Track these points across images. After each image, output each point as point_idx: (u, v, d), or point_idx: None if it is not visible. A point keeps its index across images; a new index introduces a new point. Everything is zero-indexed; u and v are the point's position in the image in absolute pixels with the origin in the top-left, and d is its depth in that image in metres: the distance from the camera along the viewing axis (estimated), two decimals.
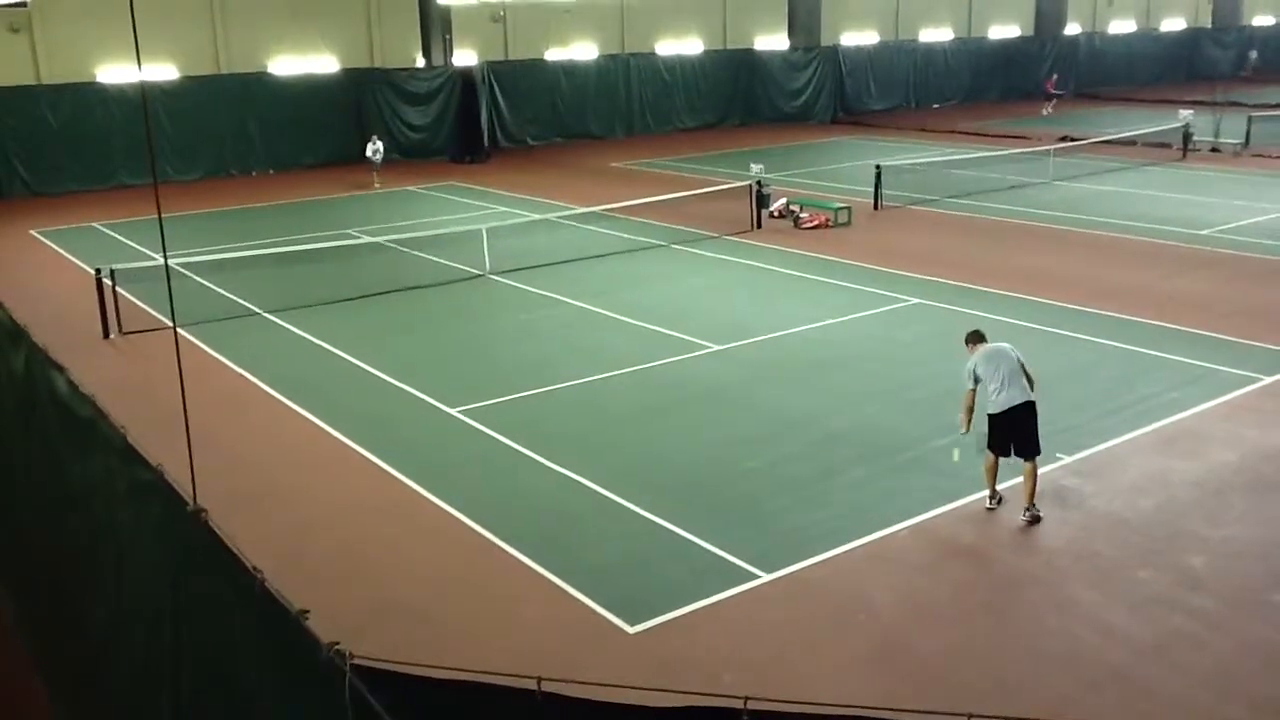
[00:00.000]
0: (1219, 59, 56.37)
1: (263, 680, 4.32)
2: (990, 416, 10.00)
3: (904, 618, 8.55)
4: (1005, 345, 10.24)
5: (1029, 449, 9.97)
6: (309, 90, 33.60)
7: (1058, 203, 25.39)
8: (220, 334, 16.37)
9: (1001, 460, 10.12)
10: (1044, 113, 42.88)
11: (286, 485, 11.30)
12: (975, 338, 10.35)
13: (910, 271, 19.11)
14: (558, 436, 12.19)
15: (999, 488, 10.29)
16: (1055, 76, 45.48)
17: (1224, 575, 9.06)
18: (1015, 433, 9.97)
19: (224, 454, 11.79)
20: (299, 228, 24.20)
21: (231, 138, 32.61)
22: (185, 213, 26.44)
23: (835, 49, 44.75)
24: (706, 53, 42.95)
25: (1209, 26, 59.94)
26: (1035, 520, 9.91)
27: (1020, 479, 10.14)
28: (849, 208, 23.78)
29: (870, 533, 9.81)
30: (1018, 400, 9.88)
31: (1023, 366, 10.03)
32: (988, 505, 10.23)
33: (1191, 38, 58.49)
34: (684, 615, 8.59)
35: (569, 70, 39.01)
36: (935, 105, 47.50)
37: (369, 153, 30.43)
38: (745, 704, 3.10)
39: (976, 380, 10.05)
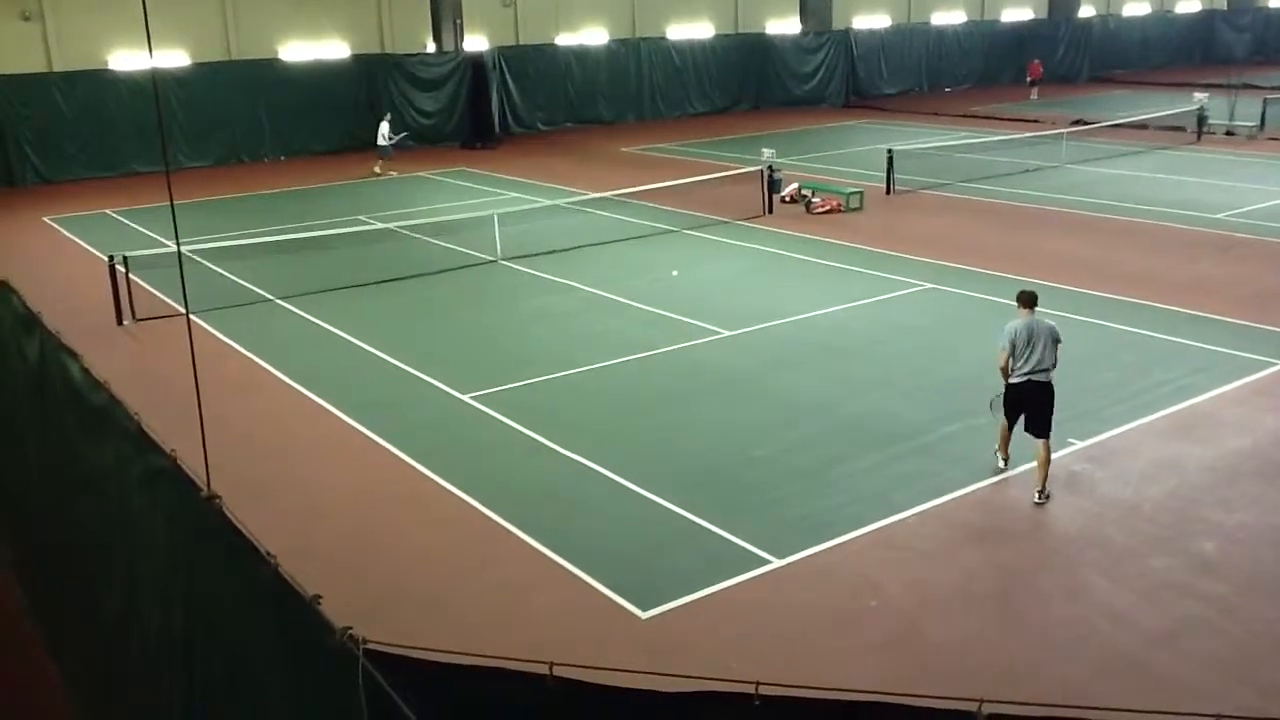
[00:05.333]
0: (1234, 41, 55.92)
1: (275, 665, 4.35)
2: (1008, 385, 10.29)
3: (914, 604, 8.55)
4: (1048, 322, 10.27)
5: (1038, 427, 10.18)
6: (319, 76, 33.58)
7: (1071, 187, 25.26)
8: (233, 320, 16.42)
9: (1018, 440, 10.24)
10: (1030, 97, 42.70)
11: (299, 471, 11.34)
12: (1026, 300, 10.29)
13: (922, 257, 19.04)
14: (569, 422, 12.20)
15: (1011, 468, 10.55)
16: (1038, 61, 45.23)
17: (1237, 561, 9.03)
18: (1026, 407, 10.22)
19: (237, 440, 11.84)
20: (310, 214, 24.23)
21: (242, 124, 32.62)
22: (197, 199, 26.51)
23: (847, 32, 44.53)
24: (718, 37, 42.79)
25: (1224, 9, 59.42)
26: (1044, 501, 10.05)
27: (1033, 464, 10.22)
28: (861, 192, 23.70)
29: (881, 519, 9.80)
30: (1038, 379, 10.09)
31: (1054, 349, 10.14)
32: (998, 463, 10.61)
33: (1206, 20, 58.03)
34: (695, 601, 8.60)
35: (580, 55, 38.90)
36: (948, 89, 47.27)
37: (380, 138, 30.03)
38: (756, 689, 3.11)
39: (1012, 345, 10.15)
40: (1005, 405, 10.38)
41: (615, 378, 13.71)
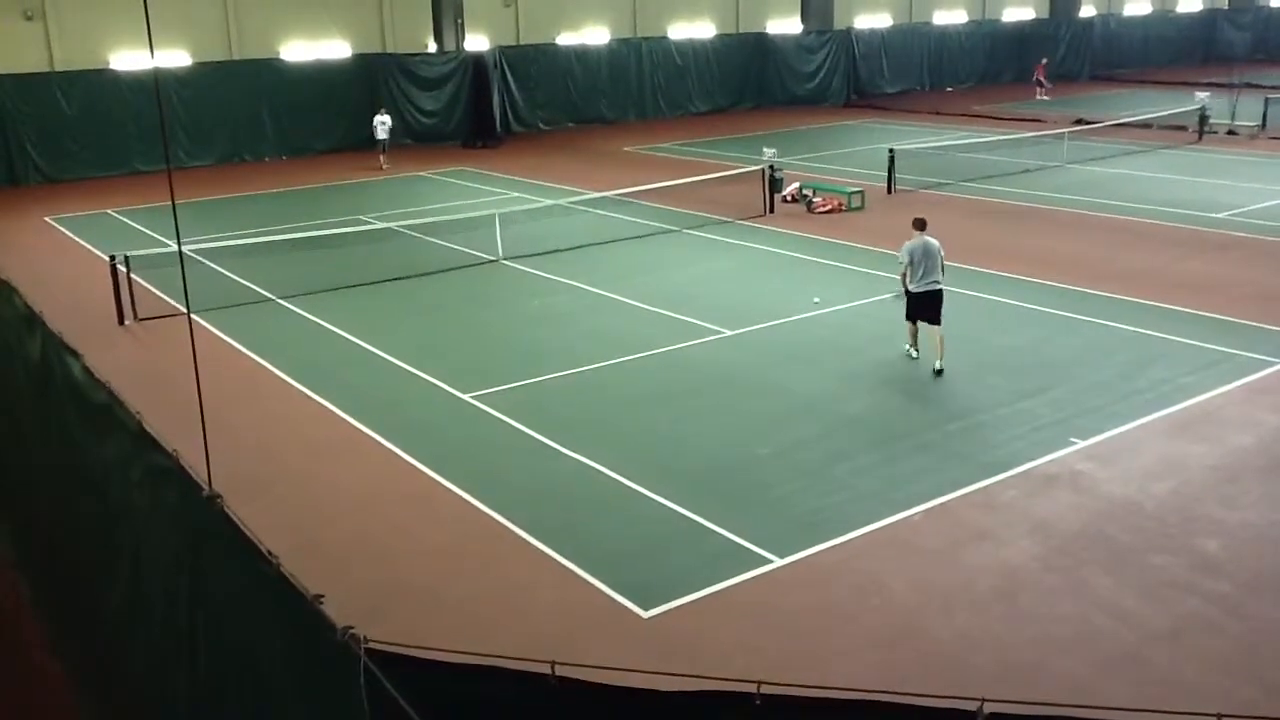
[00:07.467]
0: (1236, 40, 55.87)
1: (277, 663, 4.35)
2: (909, 293, 13.29)
3: (916, 602, 8.54)
4: (935, 242, 13.18)
5: (935, 319, 13.17)
6: (321, 76, 33.60)
7: (1072, 186, 25.25)
8: (234, 320, 16.43)
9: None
10: (1038, 97, 42.61)
11: (300, 470, 11.35)
12: (919, 225, 13.29)
13: None
14: (571, 422, 12.20)
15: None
16: (1045, 62, 45.11)
17: (1240, 559, 9.03)
18: (925, 309, 13.20)
19: (239, 439, 11.84)
20: (312, 213, 24.24)
21: (244, 123, 32.65)
22: (199, 199, 26.52)
23: (849, 32, 44.53)
24: (719, 36, 42.77)
25: (1226, 7, 59.39)
26: (939, 373, 12.97)
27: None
28: (862, 192, 23.70)
29: (883, 518, 9.80)
30: (933, 287, 13.14)
31: (941, 262, 13.20)
32: (910, 354, 13.58)
33: (1208, 19, 57.99)
34: (697, 600, 8.60)
35: (581, 54, 38.89)
36: (949, 88, 47.25)
37: (379, 132, 30.68)
38: (758, 688, 3.11)
39: (911, 263, 13.11)
40: (909, 309, 13.32)
41: (617, 377, 13.70)
